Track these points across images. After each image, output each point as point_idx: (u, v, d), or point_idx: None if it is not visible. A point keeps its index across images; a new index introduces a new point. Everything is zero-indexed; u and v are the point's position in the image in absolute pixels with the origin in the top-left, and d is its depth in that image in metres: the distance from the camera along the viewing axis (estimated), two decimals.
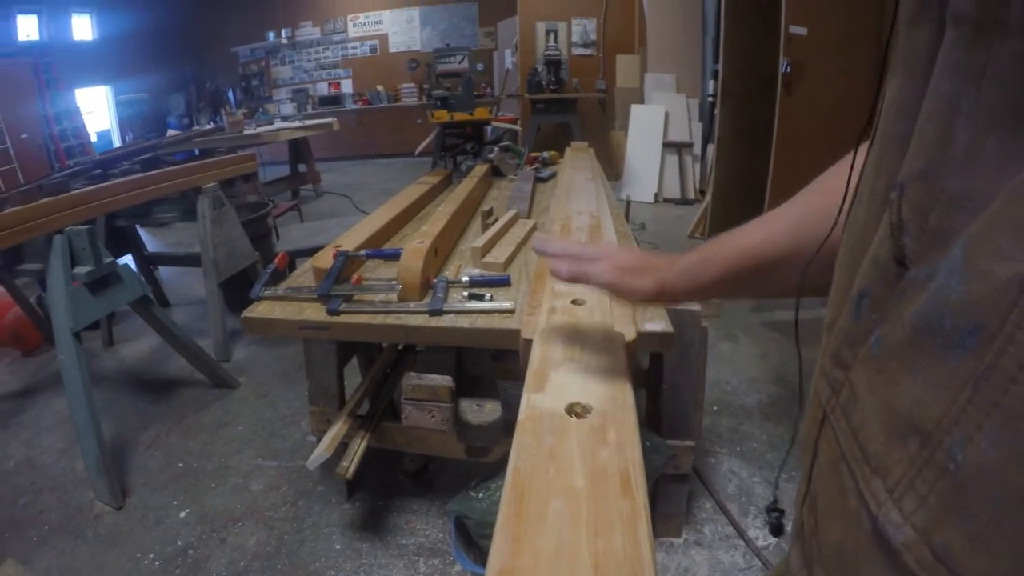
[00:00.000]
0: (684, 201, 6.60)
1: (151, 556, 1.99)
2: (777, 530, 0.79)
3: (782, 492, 2.09)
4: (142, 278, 2.74)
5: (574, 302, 1.11)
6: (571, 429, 0.72)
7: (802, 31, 3.77)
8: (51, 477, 2.42)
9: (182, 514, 2.17)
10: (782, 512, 0.78)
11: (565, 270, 0.83)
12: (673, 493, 1.93)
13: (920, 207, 0.33)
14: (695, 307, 1.75)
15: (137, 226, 3.87)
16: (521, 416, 0.75)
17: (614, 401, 0.78)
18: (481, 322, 1.54)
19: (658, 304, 0.81)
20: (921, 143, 0.34)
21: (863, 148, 0.54)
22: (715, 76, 5.30)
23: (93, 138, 9.57)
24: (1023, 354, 0.25)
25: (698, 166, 6.74)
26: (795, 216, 0.68)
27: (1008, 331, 0.25)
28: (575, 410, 0.76)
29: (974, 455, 0.27)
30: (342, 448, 1.78)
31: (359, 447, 1.78)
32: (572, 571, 0.52)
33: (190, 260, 3.67)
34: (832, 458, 0.41)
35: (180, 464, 2.46)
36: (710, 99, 6.31)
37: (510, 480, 0.64)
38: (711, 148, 5.51)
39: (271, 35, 11.61)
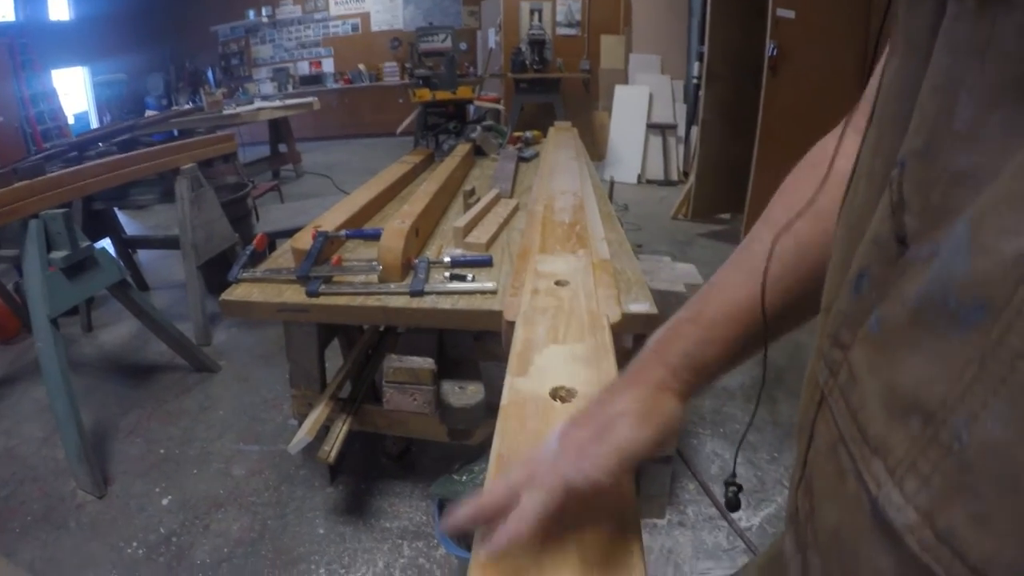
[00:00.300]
0: (667, 182, 6.60)
1: (134, 544, 1.97)
2: (733, 505, 0.78)
3: (743, 467, 2.13)
4: (120, 262, 2.70)
5: (558, 283, 1.10)
6: (556, 414, 0.71)
7: (790, 14, 3.76)
8: (31, 467, 2.39)
9: (164, 501, 2.15)
10: (740, 487, 0.77)
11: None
12: (656, 475, 1.93)
13: (922, 184, 0.33)
14: (680, 289, 1.74)
15: (115, 209, 3.81)
16: (504, 400, 0.74)
17: (599, 385, 0.77)
18: (463, 303, 1.52)
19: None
20: (922, 120, 0.33)
21: (850, 132, 0.53)
22: (700, 58, 5.29)
23: (70, 120, 9.38)
24: None
25: (682, 148, 6.73)
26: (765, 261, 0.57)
27: (1015, 306, 0.25)
28: (559, 394, 0.75)
29: (980, 434, 0.26)
30: (324, 432, 1.76)
31: (340, 431, 1.77)
32: (558, 560, 0.52)
33: (169, 243, 3.62)
34: (830, 440, 0.40)
35: (161, 450, 2.43)
36: (695, 81, 6.30)
37: (493, 467, 0.62)
38: (695, 130, 5.50)
39: (251, 13, 11.43)
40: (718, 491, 2.07)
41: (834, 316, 0.42)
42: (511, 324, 0.96)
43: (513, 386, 0.77)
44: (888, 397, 0.33)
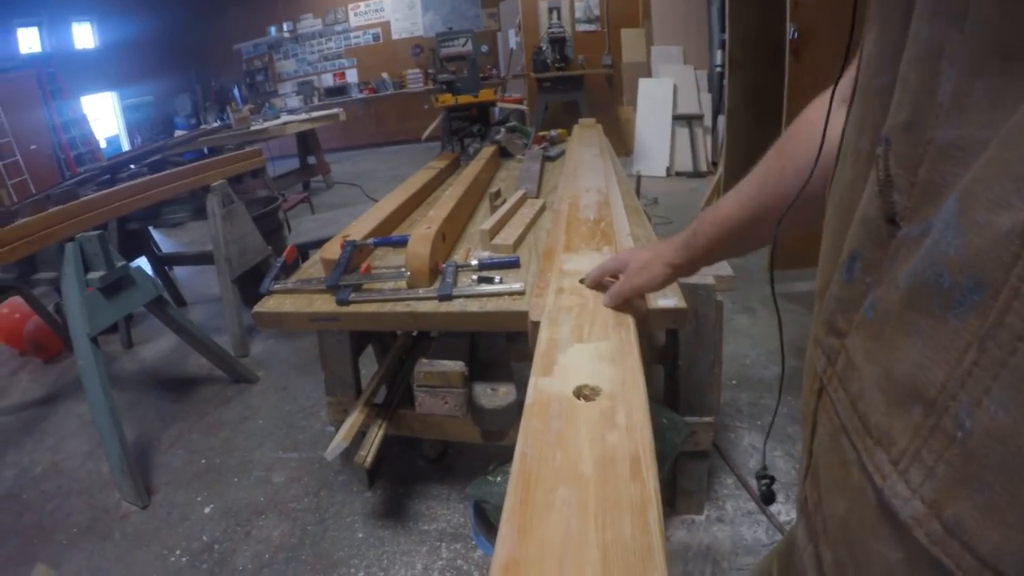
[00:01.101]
0: (696, 174, 6.53)
1: (177, 553, 2.01)
2: (767, 498, 0.78)
3: (771, 460, 2.09)
4: (157, 279, 2.75)
5: (582, 281, 1.09)
6: (579, 413, 0.71)
7: None
8: (77, 481, 2.45)
9: (206, 510, 2.19)
10: (772, 479, 0.77)
11: (607, 301, 0.98)
12: (693, 470, 1.92)
13: (908, 160, 0.32)
14: (709, 281, 1.72)
15: (150, 228, 3.89)
16: (528, 400, 0.74)
17: (623, 382, 0.77)
18: (491, 305, 1.52)
19: (674, 280, 0.91)
20: (905, 93, 0.33)
21: (838, 106, 0.53)
22: (723, 46, 5.22)
23: (102, 144, 9.64)
24: None
25: (709, 138, 6.65)
26: (756, 182, 0.78)
27: (1013, 285, 0.24)
28: (583, 393, 0.75)
29: (983, 420, 0.25)
30: (360, 437, 1.78)
31: (376, 435, 1.78)
32: (579, 562, 0.51)
33: (203, 258, 3.68)
34: (832, 430, 0.40)
35: (203, 460, 2.48)
36: (718, 69, 6.22)
37: (516, 467, 0.62)
38: (721, 119, 5.43)
39: (272, 30, 11.60)
40: (756, 490, 2.04)
41: (828, 302, 0.41)
42: (536, 324, 0.96)
43: (537, 386, 0.77)
44: (887, 385, 0.32)
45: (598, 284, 1.03)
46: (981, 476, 0.26)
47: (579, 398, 0.74)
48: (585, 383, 0.76)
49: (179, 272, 4.66)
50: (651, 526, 0.55)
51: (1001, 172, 0.25)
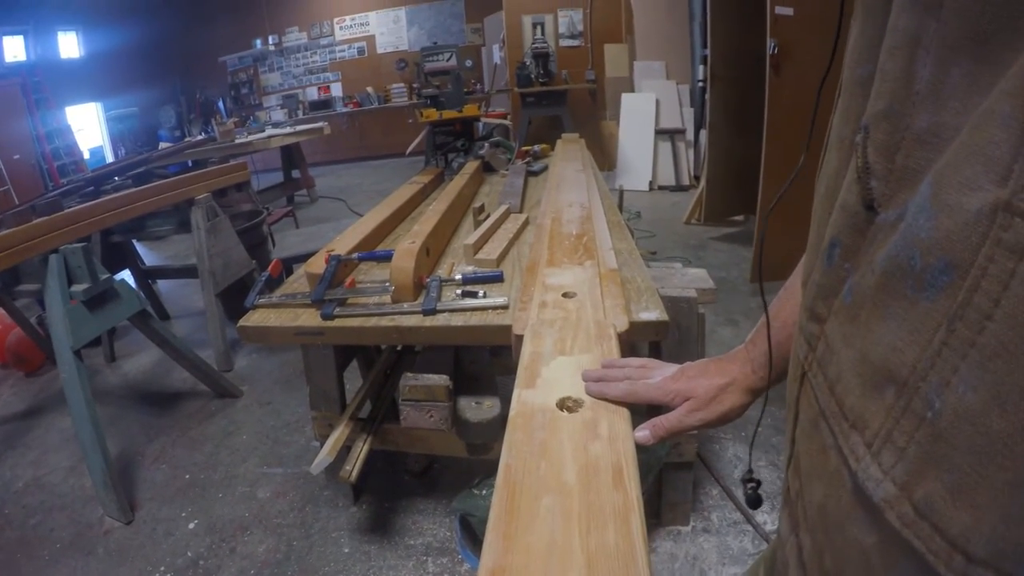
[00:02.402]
0: (679, 188, 6.59)
1: (162, 569, 2.00)
2: (753, 502, 0.78)
3: (756, 470, 2.10)
4: (140, 293, 2.75)
5: (565, 295, 1.11)
6: (562, 424, 0.72)
7: (788, 11, 3.75)
8: (60, 496, 2.43)
9: (191, 525, 2.18)
10: (758, 482, 0.77)
11: (644, 437, 0.73)
12: (678, 481, 1.93)
13: (886, 147, 0.32)
14: (691, 293, 1.75)
15: (133, 241, 3.87)
16: (512, 413, 0.75)
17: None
18: (475, 319, 1.53)
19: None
20: (884, 82, 0.33)
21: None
22: (704, 61, 5.28)
23: (86, 155, 9.58)
24: (998, 288, 0.24)
25: (691, 152, 6.73)
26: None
27: (980, 264, 0.24)
28: (566, 404, 0.76)
29: (952, 400, 0.26)
30: (345, 452, 1.78)
31: (361, 450, 1.78)
32: (564, 568, 0.52)
33: (187, 272, 3.67)
34: (812, 416, 0.40)
35: (187, 475, 2.46)
36: (700, 84, 6.30)
37: (501, 478, 0.64)
38: (703, 133, 5.50)
39: (258, 42, 11.60)
40: (741, 496, 2.06)
41: (809, 288, 0.42)
42: (519, 338, 0.98)
43: (521, 398, 0.78)
44: (862, 368, 0.33)
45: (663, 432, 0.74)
46: (950, 457, 0.26)
47: (562, 410, 0.75)
48: (568, 395, 0.77)
49: (163, 285, 4.63)
50: (634, 533, 0.56)
51: (971, 154, 0.25)
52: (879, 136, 0.33)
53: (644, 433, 0.72)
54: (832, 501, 0.37)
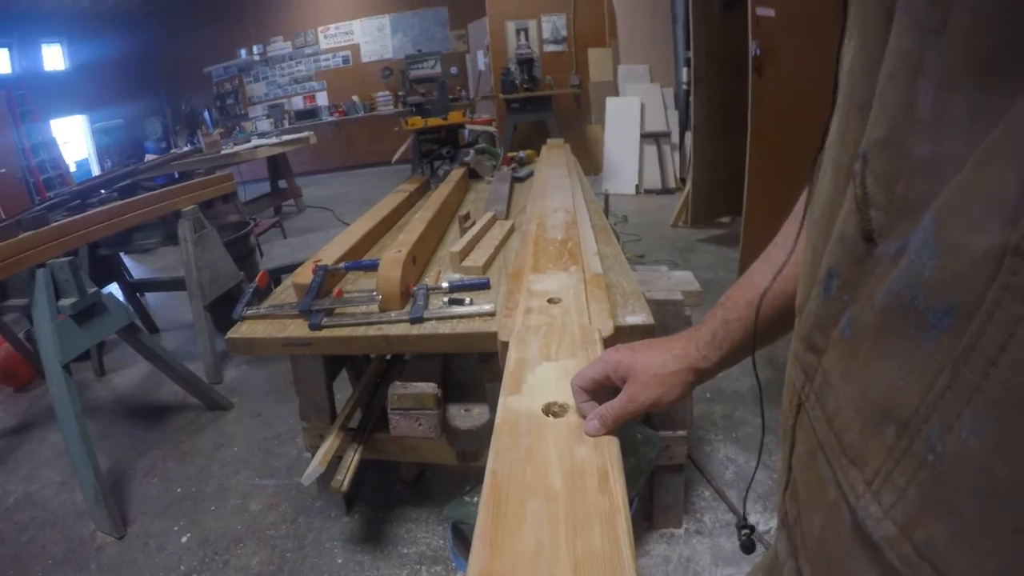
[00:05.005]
0: (665, 191, 6.62)
1: None
2: (748, 548, 0.79)
3: (747, 470, 2.14)
4: (129, 306, 2.73)
5: (550, 301, 1.12)
6: (548, 429, 0.73)
7: (769, 12, 3.77)
8: (51, 511, 2.41)
9: (183, 539, 2.17)
10: (752, 529, 0.78)
11: (595, 428, 0.71)
12: (669, 484, 1.94)
13: (885, 177, 0.31)
14: (677, 296, 1.76)
15: (121, 254, 3.85)
16: (498, 419, 0.76)
17: None
18: (462, 327, 1.54)
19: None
20: (883, 108, 0.32)
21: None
22: (688, 63, 5.31)
23: (72, 168, 9.51)
24: (1004, 334, 0.23)
25: (677, 155, 6.76)
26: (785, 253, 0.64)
27: (987, 309, 0.24)
28: (552, 410, 0.77)
29: (955, 445, 0.25)
30: (336, 462, 1.78)
31: (352, 460, 1.78)
32: (551, 573, 0.53)
33: (175, 284, 3.65)
34: (810, 447, 0.39)
35: (179, 489, 2.45)
36: (684, 87, 6.33)
37: (488, 483, 0.64)
38: (688, 136, 5.53)
39: (243, 52, 11.56)
40: (734, 496, 2.07)
41: (807, 318, 0.41)
42: (505, 344, 0.98)
43: (506, 404, 0.79)
44: (862, 405, 0.32)
45: (593, 392, 0.75)
46: (952, 501, 0.26)
47: (548, 415, 0.76)
48: (553, 400, 0.78)
49: (151, 298, 4.61)
50: (620, 536, 0.57)
51: (977, 192, 0.25)
52: (878, 165, 0.32)
53: (593, 424, 0.71)
54: (831, 534, 0.36)
